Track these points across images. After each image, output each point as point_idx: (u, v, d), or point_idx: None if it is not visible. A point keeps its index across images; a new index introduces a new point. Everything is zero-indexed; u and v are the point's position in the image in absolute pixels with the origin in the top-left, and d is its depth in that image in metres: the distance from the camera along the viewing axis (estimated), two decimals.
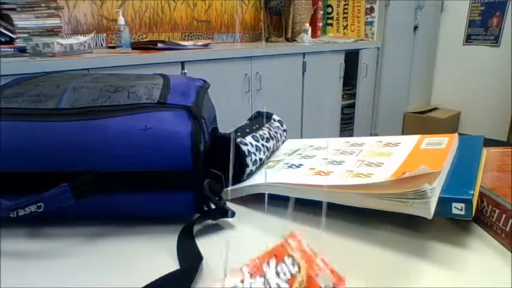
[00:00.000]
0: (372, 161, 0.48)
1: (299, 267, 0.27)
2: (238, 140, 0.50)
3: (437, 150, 0.47)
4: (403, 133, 3.47)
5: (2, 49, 1.45)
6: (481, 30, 3.43)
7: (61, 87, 0.45)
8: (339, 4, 3.00)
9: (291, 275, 0.26)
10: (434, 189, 0.36)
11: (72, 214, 0.42)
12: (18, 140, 0.38)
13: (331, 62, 2.58)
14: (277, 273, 0.27)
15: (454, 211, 0.37)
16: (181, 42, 1.97)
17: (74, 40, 1.58)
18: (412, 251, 0.37)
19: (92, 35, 1.75)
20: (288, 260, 0.28)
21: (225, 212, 0.42)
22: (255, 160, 0.51)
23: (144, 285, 0.31)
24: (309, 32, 2.64)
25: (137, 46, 1.88)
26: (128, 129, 0.39)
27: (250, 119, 0.62)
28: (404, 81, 3.33)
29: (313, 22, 2.90)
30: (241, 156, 0.49)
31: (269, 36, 2.73)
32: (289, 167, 0.51)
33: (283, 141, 0.63)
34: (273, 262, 0.28)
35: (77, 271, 0.35)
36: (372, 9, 2.86)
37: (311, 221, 0.43)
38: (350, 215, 0.44)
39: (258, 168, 0.53)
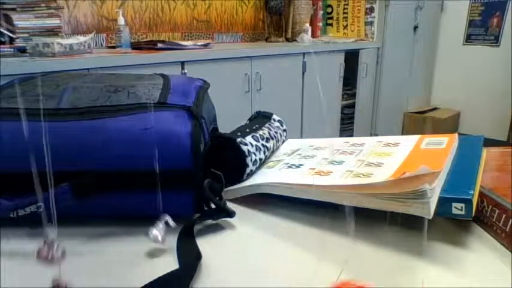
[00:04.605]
0: (372, 161, 0.48)
1: None
2: (238, 140, 0.50)
3: (437, 150, 0.47)
4: (403, 133, 3.47)
5: (2, 49, 1.45)
6: (481, 30, 3.43)
7: (61, 87, 0.45)
8: (339, 4, 3.00)
9: None
10: (434, 189, 0.36)
11: (72, 214, 0.42)
12: (18, 140, 0.38)
13: (331, 62, 2.58)
14: None
15: (454, 211, 0.37)
16: (181, 42, 1.97)
17: (74, 40, 1.58)
18: (412, 251, 0.37)
19: (92, 35, 1.75)
20: None
21: (225, 212, 0.42)
22: (255, 160, 0.51)
23: (143, 284, 0.31)
24: (309, 32, 2.64)
25: (137, 46, 1.88)
26: (128, 129, 0.39)
27: (250, 119, 0.62)
28: (404, 81, 3.33)
29: (313, 22, 2.90)
30: (241, 156, 0.49)
31: (269, 36, 2.73)
32: (289, 167, 0.51)
33: (283, 141, 0.63)
34: None
35: (77, 271, 0.35)
36: (372, 9, 2.86)
37: (312, 221, 0.43)
38: (349, 215, 0.43)
39: (258, 168, 0.53)
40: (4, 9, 1.52)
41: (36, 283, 0.33)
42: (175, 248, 0.38)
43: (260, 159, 0.52)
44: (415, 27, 3.22)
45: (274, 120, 0.62)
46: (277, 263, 0.36)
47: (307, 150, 0.58)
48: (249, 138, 0.52)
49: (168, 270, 0.33)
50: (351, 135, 2.86)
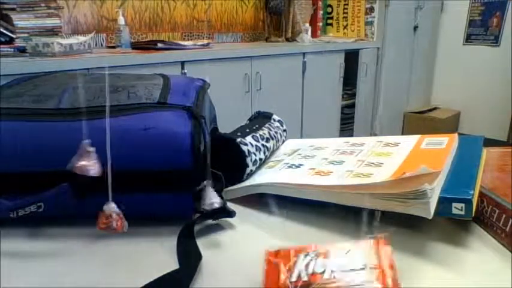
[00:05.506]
0: (372, 161, 0.48)
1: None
2: (238, 140, 0.50)
3: (437, 150, 0.47)
4: (403, 133, 3.47)
5: (2, 49, 1.45)
6: (481, 30, 3.43)
7: (61, 87, 0.45)
8: (339, 4, 3.00)
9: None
10: (434, 189, 0.36)
11: (72, 214, 0.42)
12: (18, 140, 0.38)
13: (331, 62, 2.58)
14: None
15: (454, 211, 0.37)
16: (181, 42, 1.97)
17: (74, 40, 1.58)
18: (412, 251, 0.37)
19: (92, 34, 1.75)
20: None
21: (225, 212, 0.42)
22: (255, 160, 0.51)
23: (143, 284, 0.31)
24: (309, 32, 2.64)
25: (137, 46, 1.88)
26: (128, 129, 0.39)
27: (250, 119, 0.62)
28: (405, 81, 3.33)
29: (313, 22, 2.90)
30: (241, 156, 0.49)
31: (269, 36, 2.73)
32: (289, 167, 0.51)
33: (283, 141, 0.63)
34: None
35: (77, 271, 0.35)
36: (372, 9, 2.86)
37: (312, 221, 0.43)
38: (350, 215, 0.44)
39: (258, 168, 0.53)
40: (4, 9, 1.52)
41: (37, 283, 0.33)
42: (175, 248, 0.38)
43: (260, 159, 0.52)
44: (415, 27, 3.22)
45: (274, 120, 0.62)
46: None
47: (307, 150, 0.58)
48: (249, 138, 0.52)
49: (168, 270, 0.33)
50: (351, 135, 2.86)
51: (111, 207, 0.36)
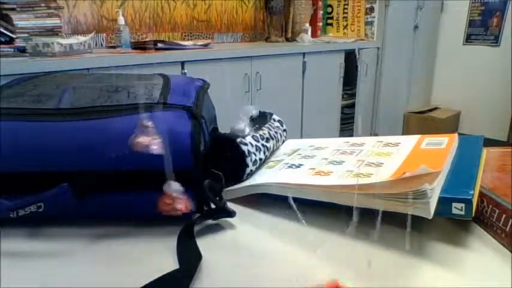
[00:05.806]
0: (372, 161, 0.48)
1: None
2: (238, 140, 0.50)
3: (437, 150, 0.47)
4: (403, 133, 3.47)
5: (2, 49, 1.45)
6: (481, 30, 3.43)
7: (61, 87, 0.44)
8: (339, 4, 3.00)
9: None
10: (434, 189, 0.36)
11: (72, 214, 0.42)
12: (18, 140, 0.38)
13: (331, 62, 2.58)
14: None
15: (454, 211, 0.37)
16: (181, 42, 1.97)
17: (74, 40, 1.58)
18: (412, 251, 0.37)
19: (92, 34, 1.75)
20: None
21: (225, 212, 0.42)
22: (255, 160, 0.51)
23: (143, 285, 0.31)
24: (309, 32, 2.64)
25: (137, 46, 1.88)
26: (128, 129, 0.39)
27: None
28: (405, 81, 3.33)
29: (313, 22, 2.90)
30: (241, 156, 0.49)
31: (269, 36, 2.73)
32: (289, 167, 0.51)
33: (283, 141, 0.63)
34: None
35: (77, 271, 0.35)
36: (372, 9, 2.86)
37: (311, 221, 0.43)
38: (350, 215, 0.43)
39: (258, 168, 0.53)
40: (4, 9, 1.52)
41: (37, 283, 0.33)
42: (175, 248, 0.38)
43: (260, 159, 0.52)
44: (415, 27, 3.22)
45: (274, 120, 0.62)
46: (277, 263, 0.36)
47: (307, 150, 0.58)
48: (249, 138, 0.52)
49: (168, 270, 0.33)
50: (351, 135, 2.86)
51: (174, 187, 0.33)
